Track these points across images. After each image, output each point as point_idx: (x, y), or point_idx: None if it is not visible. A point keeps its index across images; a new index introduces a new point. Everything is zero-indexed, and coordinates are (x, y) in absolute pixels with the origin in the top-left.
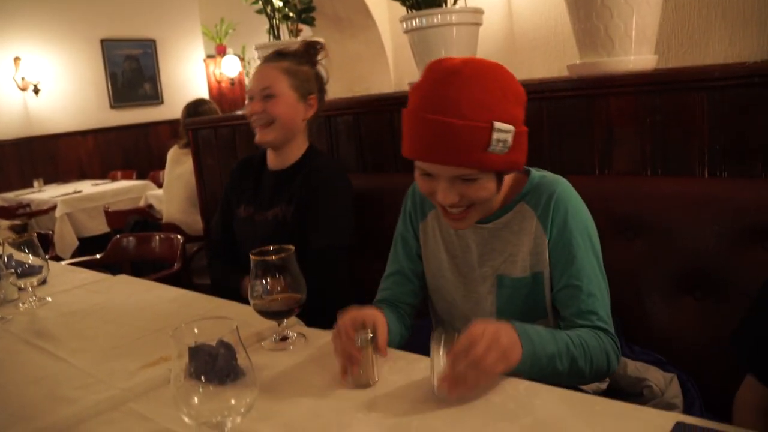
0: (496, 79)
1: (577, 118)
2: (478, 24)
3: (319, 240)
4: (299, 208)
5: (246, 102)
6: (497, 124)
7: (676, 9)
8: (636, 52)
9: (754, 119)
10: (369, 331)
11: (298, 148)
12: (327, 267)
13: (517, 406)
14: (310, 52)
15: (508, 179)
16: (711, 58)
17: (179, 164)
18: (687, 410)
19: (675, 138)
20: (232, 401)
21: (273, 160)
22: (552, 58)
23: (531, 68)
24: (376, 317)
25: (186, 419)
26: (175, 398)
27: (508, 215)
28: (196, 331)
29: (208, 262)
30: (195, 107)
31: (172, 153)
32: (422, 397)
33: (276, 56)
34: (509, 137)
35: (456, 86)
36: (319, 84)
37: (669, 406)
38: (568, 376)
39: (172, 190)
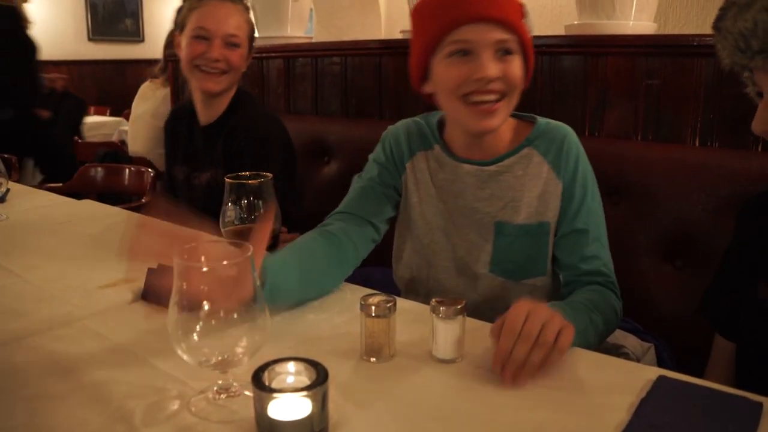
0: None
1: (573, 76)
2: None
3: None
4: (229, 172)
5: (186, 39)
6: (524, 5)
7: None
8: (636, 18)
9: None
10: (389, 301)
11: (226, 98)
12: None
13: None
14: None
15: (511, 123)
16: None
17: (144, 101)
18: None
19: (669, 104)
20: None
21: (202, 112)
22: (548, 21)
23: None
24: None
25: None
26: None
27: (512, 158)
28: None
29: None
30: None
31: (142, 88)
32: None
33: None
34: (531, 24)
35: None
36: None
37: None
38: (594, 343)
39: (135, 128)
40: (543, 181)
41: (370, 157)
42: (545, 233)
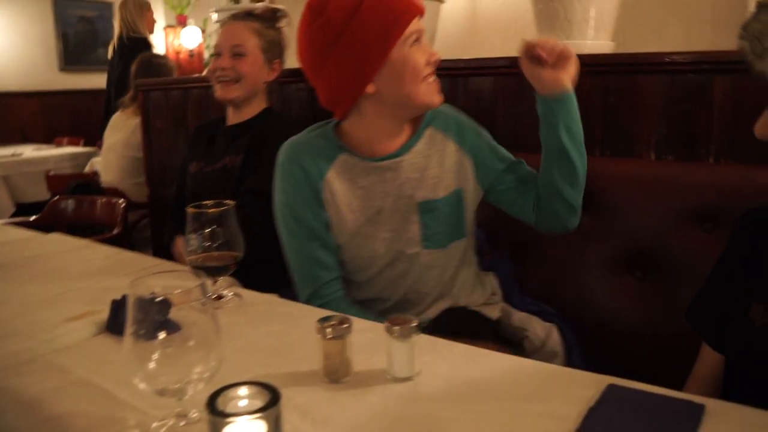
0: None
1: (531, 95)
2: (441, 1)
3: (251, 183)
4: (247, 158)
5: (211, 58)
6: None
7: (634, 1)
8: (593, 37)
9: (701, 105)
10: (345, 322)
11: (255, 107)
12: (251, 209)
13: (451, 369)
14: (273, 17)
15: None
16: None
17: (116, 131)
18: (567, 358)
19: (625, 120)
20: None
21: (231, 116)
22: (511, 42)
23: (490, 49)
24: None
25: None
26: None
27: (420, 143)
28: (153, 285)
29: (165, 226)
30: (149, 60)
31: (114, 118)
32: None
33: (246, 15)
34: None
35: None
36: (282, 50)
37: (551, 355)
38: (581, 152)
39: (108, 158)
40: (452, 155)
41: (282, 184)
42: (460, 199)
